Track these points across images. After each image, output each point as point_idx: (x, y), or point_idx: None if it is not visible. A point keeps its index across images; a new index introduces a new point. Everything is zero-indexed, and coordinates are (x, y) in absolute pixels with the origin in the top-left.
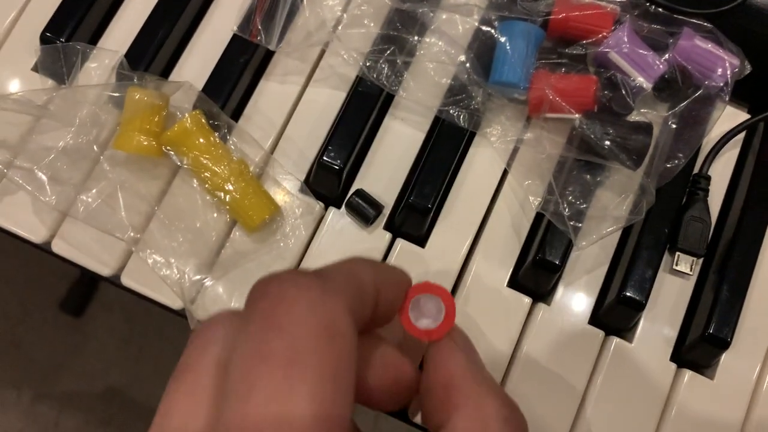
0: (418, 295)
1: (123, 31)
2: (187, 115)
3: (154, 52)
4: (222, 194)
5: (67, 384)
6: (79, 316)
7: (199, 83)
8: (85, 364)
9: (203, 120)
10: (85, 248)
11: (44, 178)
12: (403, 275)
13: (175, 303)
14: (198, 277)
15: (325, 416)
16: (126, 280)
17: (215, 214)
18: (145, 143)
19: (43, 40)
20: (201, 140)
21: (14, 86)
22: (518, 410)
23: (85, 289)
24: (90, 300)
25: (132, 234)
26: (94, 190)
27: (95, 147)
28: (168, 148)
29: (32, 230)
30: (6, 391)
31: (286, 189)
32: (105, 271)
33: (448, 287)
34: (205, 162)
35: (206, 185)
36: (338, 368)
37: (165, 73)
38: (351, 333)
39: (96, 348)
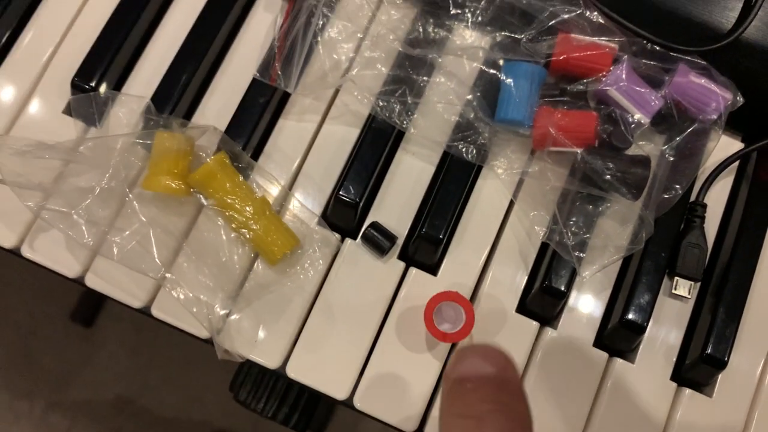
0: (441, 302)
1: (147, 74)
2: (212, 157)
3: (179, 96)
4: (246, 231)
5: (78, 394)
6: (89, 327)
7: (221, 122)
8: (95, 374)
9: (227, 161)
10: (117, 282)
11: (81, 221)
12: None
13: (202, 333)
14: (223, 310)
15: None
16: (156, 312)
17: (239, 249)
18: (173, 185)
19: (74, 85)
20: (226, 180)
21: (47, 128)
22: None
23: (94, 299)
24: (100, 310)
25: (164, 273)
26: (127, 232)
27: (127, 189)
28: (194, 188)
29: (66, 266)
30: (18, 401)
31: (304, 223)
32: (136, 303)
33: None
34: (229, 202)
35: (231, 224)
36: None
37: (188, 114)
38: None
39: (106, 358)
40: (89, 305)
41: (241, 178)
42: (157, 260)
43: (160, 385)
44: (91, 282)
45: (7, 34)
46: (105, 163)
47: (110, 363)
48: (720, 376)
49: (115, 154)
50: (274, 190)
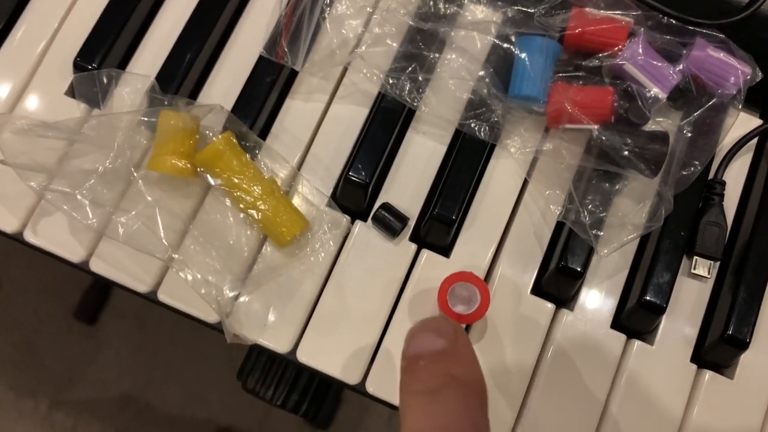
0: (455, 283)
1: (151, 54)
2: (219, 137)
3: (184, 75)
4: (254, 212)
5: (83, 391)
6: (92, 324)
7: (227, 102)
8: (99, 372)
9: (234, 141)
10: (122, 266)
11: (86, 201)
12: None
13: (209, 317)
14: (232, 292)
15: None
16: (162, 297)
17: (247, 231)
18: (180, 165)
19: (76, 66)
20: (233, 161)
21: (49, 110)
22: None
23: (97, 297)
24: (103, 308)
25: (171, 253)
26: (133, 212)
27: (132, 169)
28: (201, 168)
29: (70, 250)
30: (23, 399)
31: (314, 204)
32: (142, 288)
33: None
34: (237, 182)
35: (239, 204)
36: None
37: (194, 94)
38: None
39: (110, 355)
40: (92, 303)
41: (248, 158)
42: (164, 241)
43: (163, 383)
44: (96, 266)
45: (7, 16)
46: (109, 142)
47: (114, 360)
48: (741, 357)
49: (119, 133)
50: (282, 171)
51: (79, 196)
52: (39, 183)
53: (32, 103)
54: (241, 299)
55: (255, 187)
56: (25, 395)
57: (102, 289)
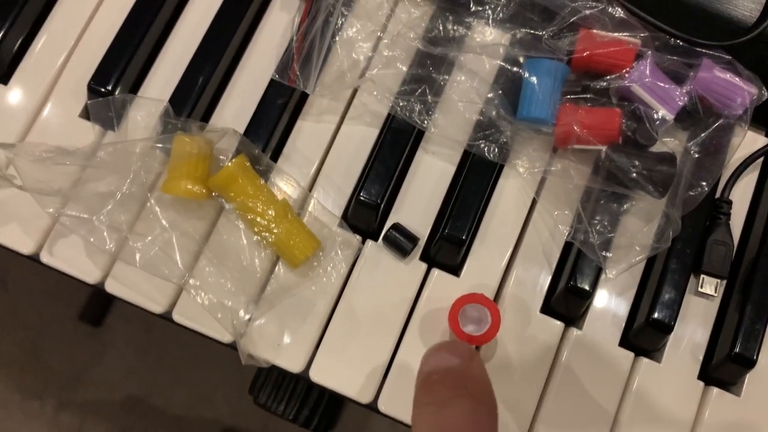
0: (466, 304)
1: (164, 77)
2: (233, 161)
3: (197, 98)
4: (268, 235)
5: (89, 393)
6: (97, 326)
7: (238, 125)
8: (105, 373)
9: (247, 164)
10: (137, 287)
11: (102, 227)
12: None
13: (224, 337)
14: (246, 314)
15: None
16: (178, 318)
17: (261, 252)
18: (194, 189)
19: (90, 89)
20: (247, 185)
21: (64, 132)
22: None
23: (102, 299)
24: (108, 310)
25: (188, 278)
26: (149, 238)
27: (149, 194)
28: (215, 192)
29: (86, 271)
30: (29, 401)
31: (325, 225)
32: (157, 309)
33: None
34: (251, 205)
35: (253, 227)
36: None
37: (206, 116)
38: None
39: (116, 357)
40: (98, 305)
41: (261, 181)
42: (180, 266)
43: (169, 384)
44: (112, 288)
45: (20, 39)
46: (125, 167)
47: (120, 362)
48: (748, 375)
49: (134, 158)
50: (294, 192)
51: (96, 222)
52: (56, 208)
53: (47, 125)
54: (255, 321)
55: (269, 210)
56: (31, 397)
57: (107, 292)
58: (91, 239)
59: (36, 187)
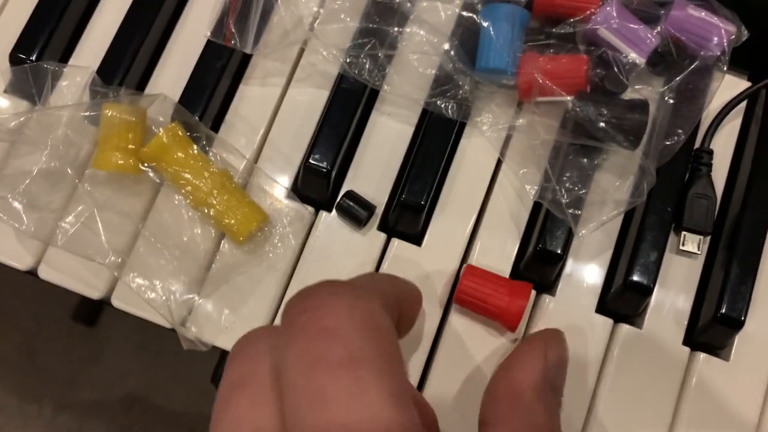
0: None
1: (95, 45)
2: (162, 129)
3: (128, 66)
4: (206, 208)
5: (87, 393)
6: (93, 326)
7: (176, 93)
8: (102, 373)
9: (180, 133)
10: (73, 272)
11: (19, 206)
12: (417, 290)
13: (168, 321)
14: (187, 296)
15: (399, 404)
16: (117, 302)
17: (202, 229)
18: (123, 162)
19: (13, 60)
20: (179, 154)
21: None
22: None
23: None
24: (102, 309)
25: (113, 258)
26: (71, 216)
27: (69, 169)
28: (147, 164)
29: (16, 257)
30: (27, 404)
31: (273, 196)
32: (95, 294)
33: (448, 285)
34: (186, 176)
35: (190, 201)
36: (392, 358)
37: (141, 85)
38: (391, 327)
39: (112, 356)
40: (91, 304)
41: (196, 150)
42: (105, 244)
43: (168, 381)
44: (45, 274)
45: None
46: (47, 140)
47: (117, 361)
48: (737, 337)
49: (58, 130)
50: (237, 163)
51: (12, 200)
52: None
53: None
54: (199, 301)
55: (205, 182)
56: (29, 400)
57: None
58: (6, 218)
59: None
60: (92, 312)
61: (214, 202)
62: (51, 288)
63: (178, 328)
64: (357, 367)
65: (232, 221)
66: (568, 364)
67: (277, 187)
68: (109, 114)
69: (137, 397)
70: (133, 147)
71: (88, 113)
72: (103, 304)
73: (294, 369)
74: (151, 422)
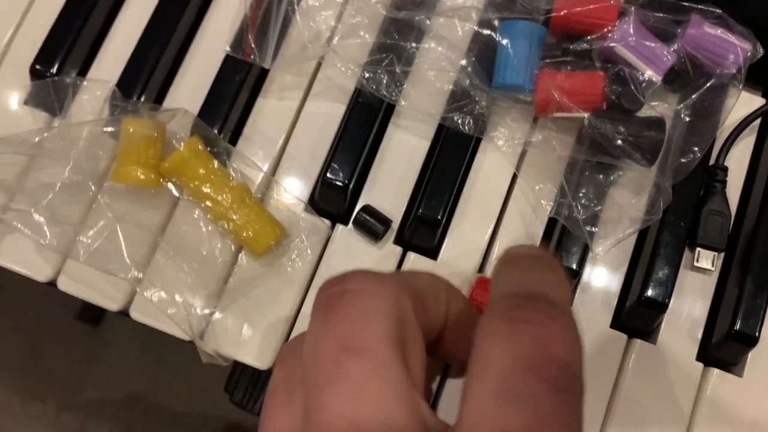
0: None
1: (113, 59)
2: (183, 144)
3: (147, 79)
4: (225, 222)
5: (90, 393)
6: (96, 325)
7: (195, 106)
8: (106, 372)
9: (200, 147)
10: (92, 284)
11: (42, 219)
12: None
13: (186, 335)
14: (206, 309)
15: (404, 396)
16: (135, 315)
17: (221, 242)
18: (143, 176)
19: (33, 72)
20: (199, 169)
21: (6, 121)
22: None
23: None
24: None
25: (135, 273)
26: (93, 230)
27: (91, 183)
28: (167, 178)
29: (36, 269)
30: (30, 403)
31: (290, 210)
32: (113, 306)
33: None
34: (205, 191)
35: (210, 215)
36: (408, 349)
37: (159, 99)
38: (412, 321)
39: (115, 356)
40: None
41: (216, 165)
42: (127, 259)
43: (171, 381)
44: (64, 285)
45: None
46: (69, 155)
47: (120, 360)
48: (750, 353)
49: (79, 144)
50: (255, 177)
51: (35, 215)
52: None
53: None
54: (217, 315)
55: (224, 196)
56: (33, 399)
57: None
58: (30, 233)
59: None
60: (96, 312)
61: (234, 216)
62: (56, 289)
63: (198, 342)
64: (366, 356)
65: (251, 235)
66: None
67: (295, 200)
68: (130, 129)
69: (140, 397)
70: (153, 161)
71: (108, 128)
72: None
73: (312, 356)
74: (154, 422)
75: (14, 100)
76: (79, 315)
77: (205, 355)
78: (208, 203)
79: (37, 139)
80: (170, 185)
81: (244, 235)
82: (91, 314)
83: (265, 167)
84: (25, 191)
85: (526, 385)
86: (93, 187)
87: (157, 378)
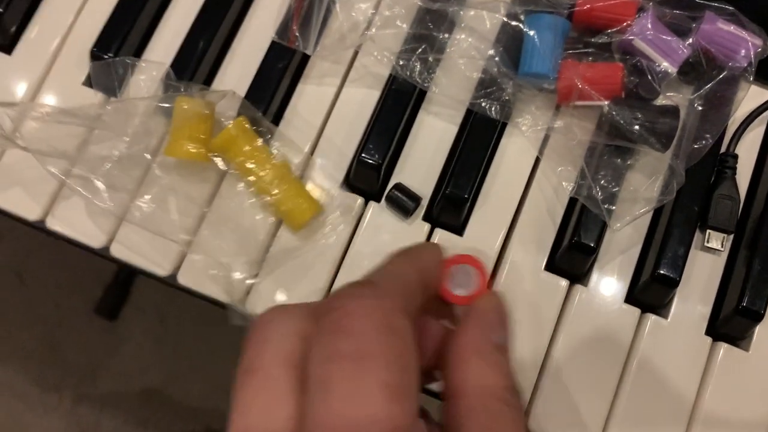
0: (452, 266)
1: (165, 43)
2: (231, 122)
3: (198, 62)
4: (267, 197)
5: (106, 385)
6: (113, 319)
7: (241, 89)
8: (122, 365)
9: (247, 126)
10: (142, 251)
11: (102, 186)
12: (437, 253)
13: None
14: (246, 275)
15: (397, 397)
16: (182, 279)
17: (262, 215)
18: (194, 150)
19: (93, 56)
20: (245, 146)
21: (67, 101)
22: (517, 394)
23: (118, 291)
24: (124, 302)
25: (184, 236)
26: (148, 196)
27: (147, 155)
28: (215, 154)
29: (91, 236)
30: (47, 394)
31: (326, 189)
32: (161, 271)
33: (487, 273)
34: (250, 167)
35: (253, 189)
36: (400, 357)
37: (208, 81)
38: (406, 327)
39: (132, 349)
40: (113, 298)
41: (261, 143)
42: (176, 223)
43: (186, 375)
44: (117, 251)
45: (24, 9)
46: (125, 129)
47: (136, 354)
48: (756, 329)
49: (135, 119)
50: (295, 156)
51: (96, 181)
52: (58, 168)
53: (50, 95)
54: (254, 281)
55: (267, 172)
56: (50, 390)
57: (123, 285)
58: (90, 196)
59: (38, 148)
60: (114, 306)
61: (275, 191)
62: (74, 281)
63: (234, 304)
64: (362, 362)
65: (291, 210)
66: (509, 320)
67: (331, 179)
68: (183, 106)
69: (155, 391)
70: (203, 137)
71: (162, 105)
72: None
73: (311, 361)
74: (169, 416)
75: (74, 81)
76: (97, 309)
77: (238, 316)
78: (252, 178)
79: (96, 112)
80: (218, 160)
81: (283, 209)
82: (109, 308)
83: (305, 148)
84: (86, 160)
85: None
86: (148, 157)
87: (173, 372)
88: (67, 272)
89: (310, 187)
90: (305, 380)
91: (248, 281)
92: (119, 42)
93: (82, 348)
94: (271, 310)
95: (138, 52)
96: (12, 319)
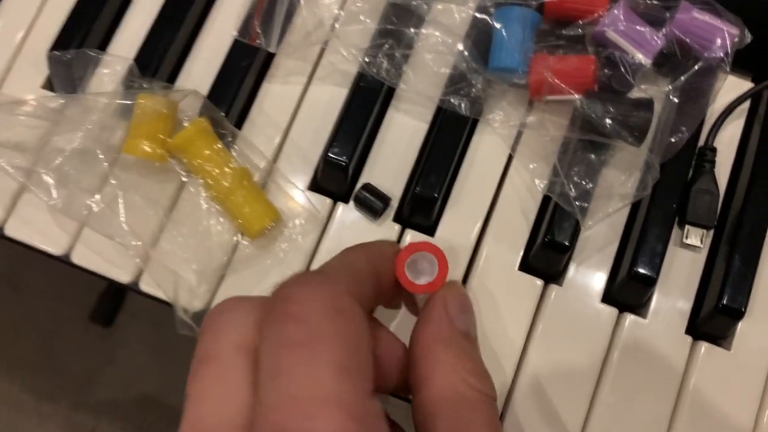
0: (412, 254)
1: (126, 43)
2: (190, 123)
3: (161, 59)
4: (224, 202)
5: (103, 393)
6: (109, 326)
7: (204, 88)
8: (118, 373)
9: (207, 127)
10: (104, 256)
11: (51, 181)
12: (394, 246)
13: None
14: (197, 283)
15: (347, 377)
16: (144, 287)
17: (219, 221)
18: (150, 150)
19: (51, 58)
20: (204, 148)
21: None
22: (487, 379)
23: (112, 299)
24: (118, 310)
25: (133, 240)
26: (98, 195)
27: (99, 152)
28: (173, 155)
29: (51, 243)
30: (44, 403)
31: (289, 196)
32: (124, 278)
33: (459, 274)
34: (208, 169)
35: (209, 193)
36: (349, 338)
37: (171, 78)
38: (355, 309)
39: (128, 356)
40: (108, 305)
41: (220, 146)
42: (124, 225)
43: (183, 381)
44: (78, 258)
45: None
46: (83, 123)
47: (132, 361)
48: (738, 326)
49: (94, 115)
50: (258, 161)
51: (44, 175)
52: (9, 162)
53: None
54: (204, 289)
55: (224, 177)
56: (46, 399)
57: (117, 292)
58: (36, 190)
59: None
60: (109, 313)
61: (232, 197)
62: (69, 289)
63: (179, 313)
64: (313, 344)
65: (247, 217)
66: (473, 307)
67: (294, 188)
68: (143, 104)
69: (152, 398)
70: (162, 137)
71: (123, 101)
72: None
73: (262, 350)
74: (166, 423)
75: (33, 85)
76: (92, 316)
77: (184, 325)
78: (209, 181)
79: (55, 105)
80: (175, 163)
81: (240, 215)
82: (105, 315)
83: (269, 150)
84: (42, 154)
85: None
86: (102, 156)
87: (169, 379)
88: (61, 280)
89: (271, 195)
90: (258, 369)
91: (199, 290)
92: (78, 43)
93: (78, 356)
94: (226, 301)
95: (101, 48)
96: (7, 328)
